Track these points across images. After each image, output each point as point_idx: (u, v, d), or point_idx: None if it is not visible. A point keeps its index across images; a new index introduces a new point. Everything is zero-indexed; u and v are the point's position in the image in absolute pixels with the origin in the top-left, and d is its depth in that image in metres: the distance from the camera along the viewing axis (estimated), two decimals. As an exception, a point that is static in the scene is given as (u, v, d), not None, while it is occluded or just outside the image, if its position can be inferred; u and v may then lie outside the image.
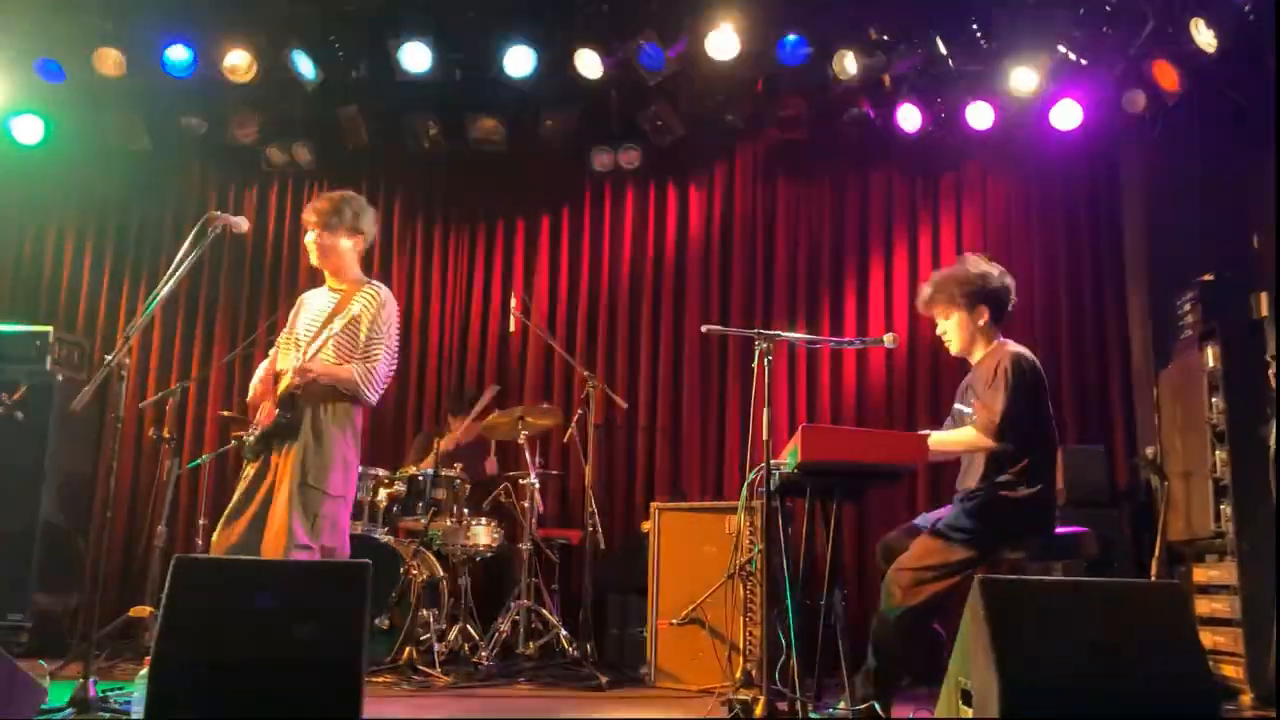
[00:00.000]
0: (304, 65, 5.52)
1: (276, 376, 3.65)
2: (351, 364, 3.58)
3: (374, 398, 3.63)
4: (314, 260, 3.79)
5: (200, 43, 5.53)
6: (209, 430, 6.23)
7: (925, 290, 3.71)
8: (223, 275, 6.44)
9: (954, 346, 3.67)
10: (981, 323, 3.59)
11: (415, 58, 5.47)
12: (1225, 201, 5.35)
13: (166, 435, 4.80)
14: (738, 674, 4.25)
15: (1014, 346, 3.55)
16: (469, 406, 5.63)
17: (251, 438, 3.57)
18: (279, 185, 6.54)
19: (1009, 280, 3.66)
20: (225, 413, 5.84)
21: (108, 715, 3.03)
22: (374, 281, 3.78)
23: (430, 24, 5.46)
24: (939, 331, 3.71)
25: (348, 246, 3.75)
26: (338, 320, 3.59)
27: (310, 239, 3.76)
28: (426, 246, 6.45)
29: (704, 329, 3.95)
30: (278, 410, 3.52)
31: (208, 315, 6.44)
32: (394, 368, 3.72)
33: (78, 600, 5.63)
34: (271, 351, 3.85)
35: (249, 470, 3.57)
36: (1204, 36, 4.88)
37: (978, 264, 3.65)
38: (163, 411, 5.49)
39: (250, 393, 3.74)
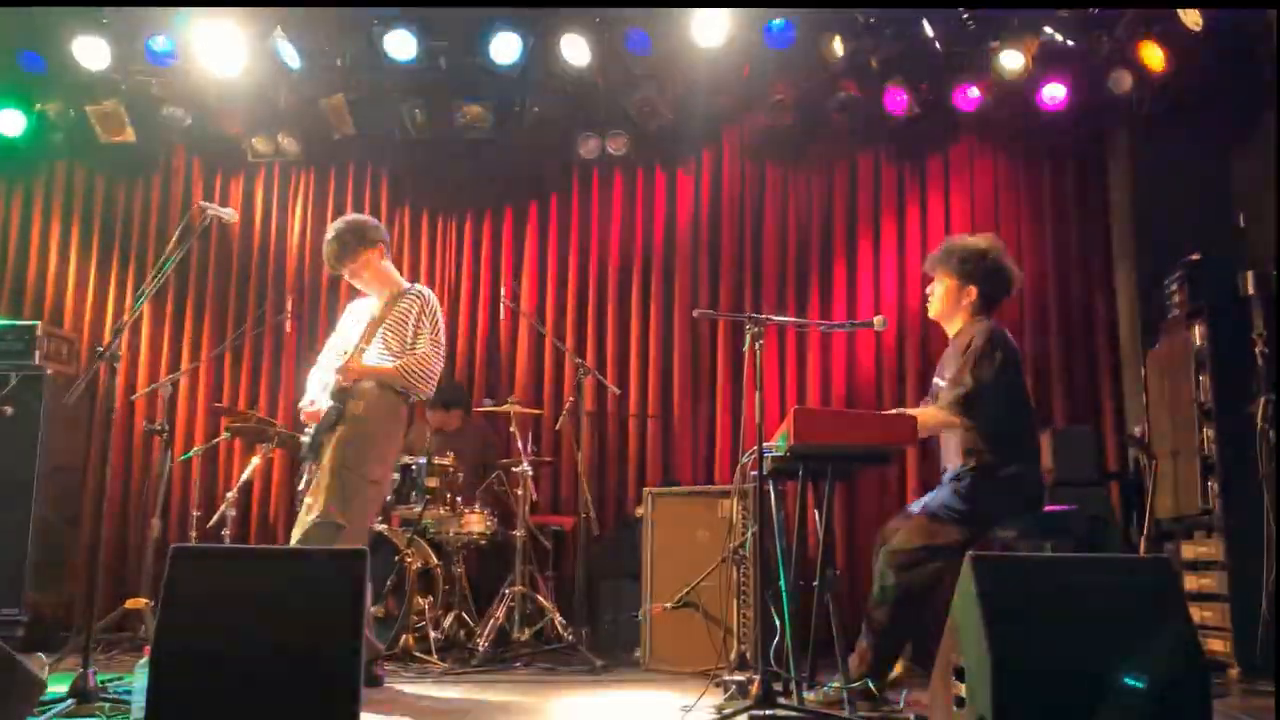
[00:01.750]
0: (288, 54, 5.49)
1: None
2: (397, 361, 3.84)
3: (427, 389, 3.89)
4: (358, 286, 4.08)
5: (184, 32, 5.49)
6: (200, 422, 6.22)
7: (937, 250, 3.77)
8: (211, 266, 6.42)
9: (932, 309, 3.77)
10: (967, 301, 3.63)
11: (400, 45, 5.44)
12: (1211, 180, 5.38)
13: (159, 427, 4.80)
14: (732, 656, 4.29)
15: (989, 323, 3.58)
16: (451, 404, 5.65)
17: (307, 437, 3.83)
18: (265, 175, 6.51)
19: (1014, 278, 3.70)
20: (217, 404, 5.83)
21: (108, 705, 3.05)
22: (416, 284, 4.07)
23: (415, 11, 5.43)
24: (927, 290, 3.76)
25: (374, 260, 3.99)
26: (385, 321, 3.89)
27: (346, 277, 4.06)
28: (414, 235, 6.43)
29: (695, 313, 4.01)
30: (330, 404, 3.79)
31: (197, 306, 6.41)
32: (442, 361, 3.98)
33: (72, 594, 5.63)
34: (320, 359, 4.08)
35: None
36: (1190, 16, 4.89)
37: (998, 252, 3.68)
38: (154, 404, 5.48)
39: (305, 409, 3.93)
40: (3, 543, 5.20)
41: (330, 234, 4.00)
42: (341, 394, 3.80)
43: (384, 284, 4.04)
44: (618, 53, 5.48)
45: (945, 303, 3.67)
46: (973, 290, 3.63)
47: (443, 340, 3.98)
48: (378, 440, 3.79)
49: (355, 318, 4.07)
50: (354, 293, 4.24)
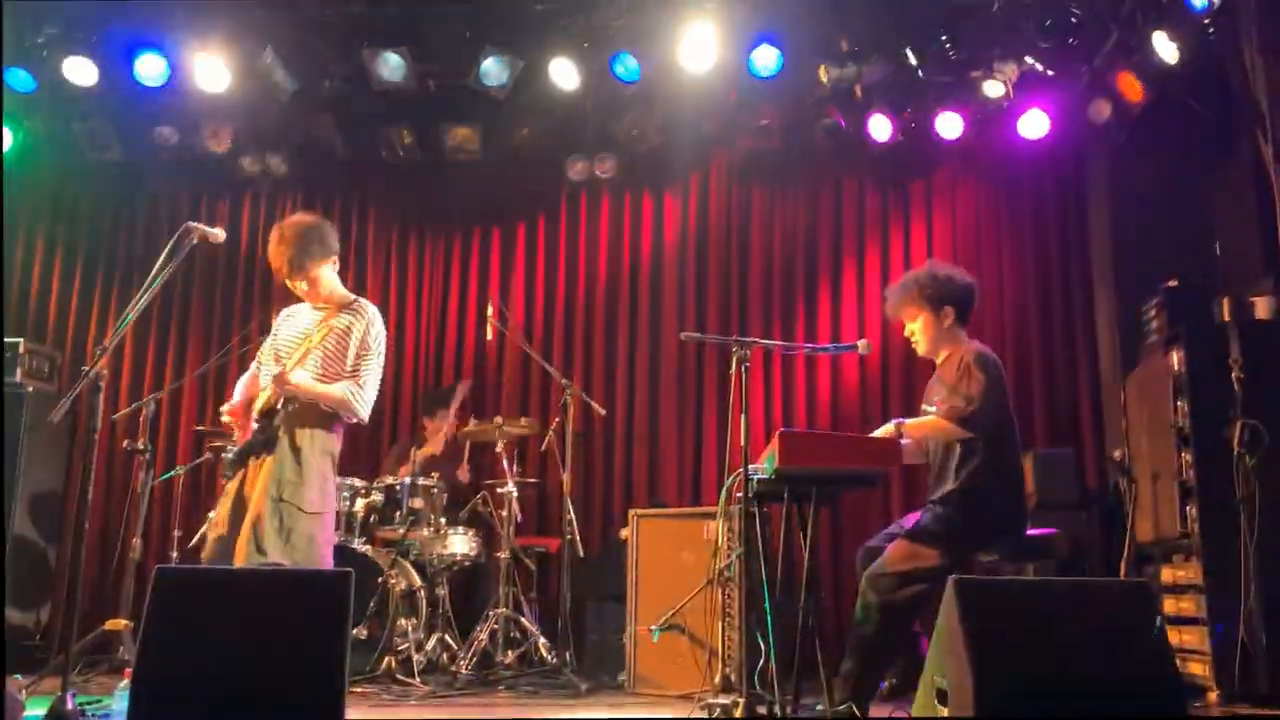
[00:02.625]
0: (278, 75, 5.51)
1: (252, 398, 3.61)
2: (340, 382, 3.54)
3: (363, 417, 3.60)
4: (304, 298, 3.71)
5: (173, 52, 5.50)
6: (183, 442, 6.19)
7: (892, 295, 3.80)
8: (195, 286, 6.41)
9: (921, 347, 3.77)
10: (947, 324, 3.68)
11: (390, 68, 5.47)
12: (1189, 208, 5.46)
13: (141, 447, 4.76)
14: (717, 679, 4.28)
15: (977, 345, 3.64)
16: (444, 403, 5.66)
17: (230, 455, 3.53)
18: (252, 195, 6.52)
19: (971, 282, 3.75)
20: (200, 427, 5.80)
21: (86, 729, 3.02)
22: (360, 299, 3.73)
23: (405, 34, 5.47)
24: (907, 333, 3.80)
25: (328, 270, 3.66)
26: (324, 336, 3.56)
27: (293, 285, 3.66)
28: (402, 255, 6.45)
29: (682, 336, 4.02)
30: (255, 425, 3.50)
31: (180, 326, 6.40)
32: (378, 386, 3.69)
33: (49, 615, 5.57)
34: (252, 366, 3.81)
35: (230, 488, 3.51)
36: (1166, 48, 4.99)
37: (941, 267, 3.77)
38: (136, 423, 5.44)
39: (225, 410, 3.64)
40: (-19, 562, 5.16)
41: (287, 234, 3.56)
42: (270, 414, 3.49)
43: (329, 296, 3.68)
44: (606, 77, 5.53)
45: (929, 335, 3.71)
46: (949, 311, 3.67)
47: (382, 364, 3.68)
48: (314, 469, 3.48)
49: (294, 327, 3.69)
50: None
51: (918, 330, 3.73)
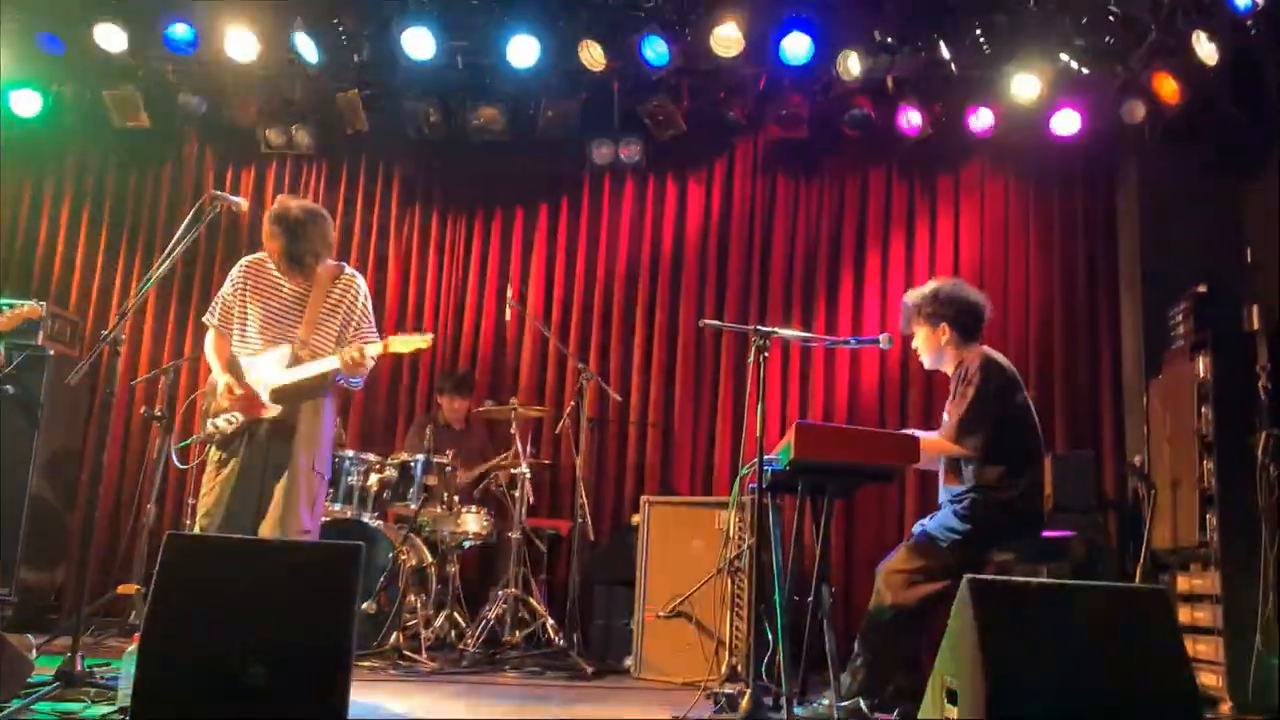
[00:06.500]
0: (306, 47, 5.50)
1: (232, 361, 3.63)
2: (373, 344, 3.56)
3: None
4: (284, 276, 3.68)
5: (202, 21, 5.50)
6: (200, 410, 6.20)
7: (902, 312, 3.82)
8: (218, 256, 6.43)
9: (925, 361, 3.81)
10: (945, 339, 3.66)
11: (418, 44, 5.45)
12: (1221, 213, 5.38)
13: (158, 413, 4.79)
14: (723, 668, 4.27)
15: (980, 350, 3.60)
16: (463, 389, 5.68)
17: (224, 429, 3.52)
18: (276, 166, 6.53)
19: (976, 300, 3.71)
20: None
21: (94, 690, 3.04)
22: (346, 267, 3.76)
23: (435, 10, 5.45)
24: (914, 345, 3.79)
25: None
26: (323, 306, 3.61)
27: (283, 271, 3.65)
28: (424, 233, 6.44)
29: (701, 323, 4.01)
30: (269, 405, 3.52)
31: (203, 295, 6.40)
32: None
33: (63, 576, 5.62)
34: (211, 334, 3.76)
35: (231, 467, 3.49)
36: (1205, 49, 4.90)
37: (947, 285, 3.75)
38: (154, 390, 5.47)
39: (233, 391, 3.54)
40: (-3, 522, 5.20)
41: (299, 232, 3.54)
42: (285, 391, 3.53)
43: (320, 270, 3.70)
44: (634, 60, 5.49)
45: (929, 348, 3.74)
46: (945, 328, 3.67)
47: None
48: (327, 434, 3.65)
49: (282, 299, 3.66)
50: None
51: (919, 343, 3.77)
